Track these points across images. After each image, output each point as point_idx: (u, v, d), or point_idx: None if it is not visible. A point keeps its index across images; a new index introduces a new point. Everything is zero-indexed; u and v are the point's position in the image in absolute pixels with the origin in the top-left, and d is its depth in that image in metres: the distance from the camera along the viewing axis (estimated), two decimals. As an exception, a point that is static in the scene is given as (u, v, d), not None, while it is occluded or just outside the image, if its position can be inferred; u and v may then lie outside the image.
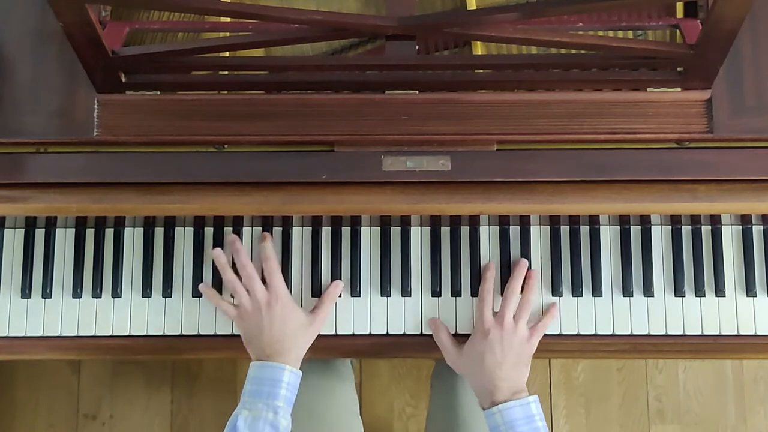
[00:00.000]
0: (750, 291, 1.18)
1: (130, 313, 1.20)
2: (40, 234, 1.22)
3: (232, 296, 1.17)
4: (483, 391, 1.10)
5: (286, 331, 1.11)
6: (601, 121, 1.10)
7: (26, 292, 1.20)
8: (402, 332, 1.18)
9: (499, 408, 1.05)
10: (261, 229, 1.21)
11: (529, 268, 1.18)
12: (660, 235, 1.20)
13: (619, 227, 1.20)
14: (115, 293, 1.20)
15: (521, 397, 1.07)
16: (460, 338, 1.16)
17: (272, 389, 1.07)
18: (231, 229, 1.21)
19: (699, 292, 1.18)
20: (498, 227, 1.20)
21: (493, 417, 1.06)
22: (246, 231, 1.21)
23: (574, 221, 1.20)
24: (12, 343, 1.20)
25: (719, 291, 1.18)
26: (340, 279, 1.19)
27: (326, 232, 1.21)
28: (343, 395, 1.31)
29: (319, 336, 1.18)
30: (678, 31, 1.15)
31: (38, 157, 1.12)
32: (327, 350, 1.19)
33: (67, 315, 1.20)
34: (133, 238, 1.22)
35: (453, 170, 1.10)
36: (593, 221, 1.19)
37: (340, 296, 1.19)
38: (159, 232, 1.21)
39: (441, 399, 1.35)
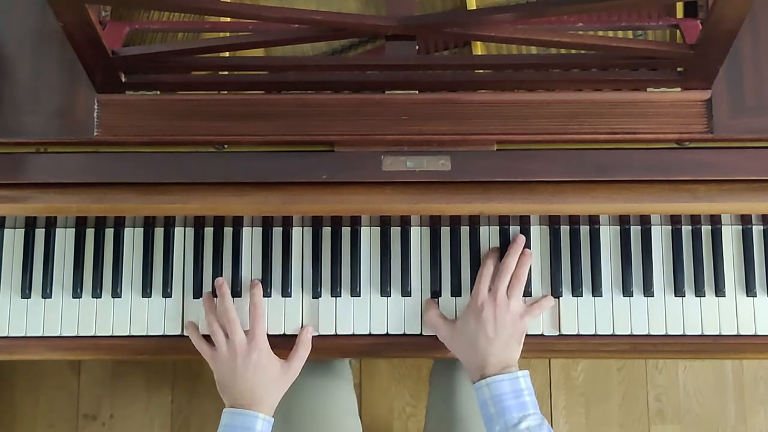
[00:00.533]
0: (750, 291, 1.18)
1: (130, 313, 1.20)
2: (40, 234, 1.22)
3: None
4: (474, 367, 1.09)
5: (262, 381, 1.11)
6: (601, 121, 1.10)
7: (26, 292, 1.20)
8: (402, 332, 1.18)
9: (487, 381, 1.05)
10: (261, 229, 1.21)
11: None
12: (660, 235, 1.20)
13: (619, 227, 1.20)
14: (115, 293, 1.20)
15: (511, 371, 1.07)
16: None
17: None
18: (231, 229, 1.21)
19: (699, 292, 1.18)
20: (498, 227, 1.20)
21: (481, 390, 1.06)
22: (246, 231, 1.21)
23: (574, 221, 1.20)
24: (12, 343, 1.20)
25: (719, 291, 1.18)
26: (341, 279, 1.19)
27: (326, 232, 1.21)
28: (341, 395, 1.31)
29: (319, 336, 1.18)
30: (678, 31, 1.15)
31: (38, 157, 1.12)
32: (327, 350, 1.19)
33: (67, 315, 1.20)
34: (133, 238, 1.22)
35: (453, 170, 1.10)
36: (593, 221, 1.19)
37: (340, 296, 1.19)
38: (159, 232, 1.21)
39: (439, 397, 1.35)
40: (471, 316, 1.12)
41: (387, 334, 1.19)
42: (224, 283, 1.17)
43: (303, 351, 1.16)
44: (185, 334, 1.18)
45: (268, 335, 1.15)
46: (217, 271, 1.20)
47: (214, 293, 1.18)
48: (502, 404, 1.04)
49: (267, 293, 1.19)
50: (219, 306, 1.15)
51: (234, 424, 1.09)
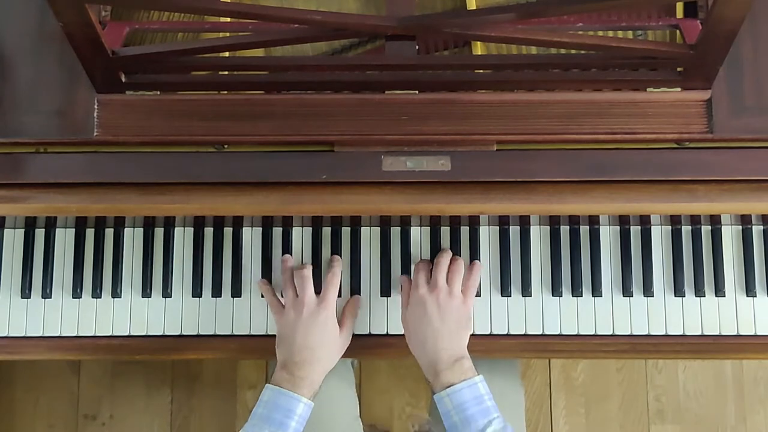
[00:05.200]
0: (750, 291, 1.18)
1: (130, 313, 1.20)
2: (40, 234, 1.22)
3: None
4: (425, 360, 1.10)
5: (322, 341, 1.12)
6: (601, 121, 1.10)
7: (26, 292, 1.20)
8: (402, 332, 1.18)
9: (447, 392, 1.05)
10: (261, 229, 1.21)
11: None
12: (660, 235, 1.20)
13: (619, 227, 1.20)
14: (115, 293, 1.20)
15: (463, 368, 1.07)
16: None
17: (284, 419, 1.06)
18: (231, 229, 1.21)
19: (699, 292, 1.18)
20: (498, 227, 1.20)
21: (442, 401, 1.06)
22: (246, 231, 1.21)
23: (574, 221, 1.20)
24: (12, 343, 1.20)
25: (719, 291, 1.18)
26: (341, 279, 1.19)
27: (326, 232, 1.21)
28: (342, 397, 1.31)
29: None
30: (678, 31, 1.15)
31: (38, 157, 1.12)
32: (327, 350, 1.19)
33: (67, 315, 1.20)
34: (133, 238, 1.22)
35: (453, 170, 1.10)
36: (593, 221, 1.19)
37: (340, 296, 1.19)
38: (159, 232, 1.21)
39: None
40: (415, 309, 1.12)
41: (387, 334, 1.19)
42: (289, 257, 1.19)
43: (352, 319, 1.17)
44: (259, 290, 1.19)
45: (269, 335, 1.15)
46: (217, 271, 1.20)
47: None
48: (466, 413, 1.04)
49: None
50: (297, 270, 1.16)
51: (276, 402, 1.07)
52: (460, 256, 1.19)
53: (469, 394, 1.05)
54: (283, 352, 1.12)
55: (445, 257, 1.16)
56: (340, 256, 1.20)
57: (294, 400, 1.07)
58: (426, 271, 1.15)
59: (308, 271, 1.15)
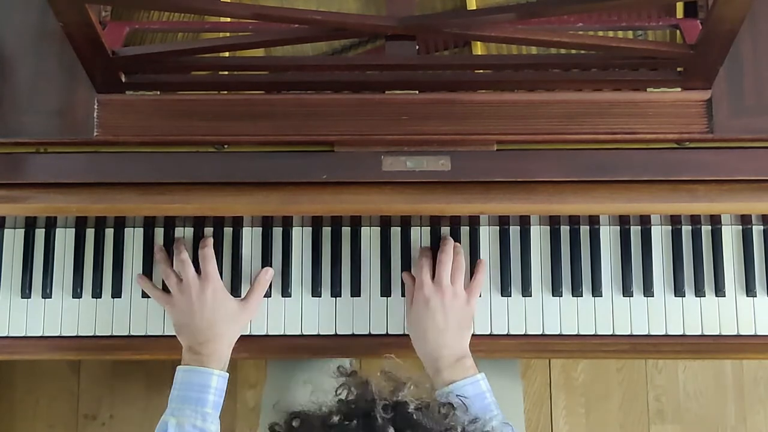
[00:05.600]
0: (750, 291, 1.18)
1: (129, 313, 1.20)
2: (40, 234, 1.22)
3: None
4: (428, 358, 1.10)
5: (218, 317, 1.12)
6: (601, 121, 1.10)
7: (26, 292, 1.20)
8: (402, 332, 1.18)
9: (450, 388, 1.06)
10: (261, 229, 1.21)
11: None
12: (660, 235, 1.20)
13: (619, 227, 1.20)
14: (115, 293, 1.20)
15: (465, 366, 1.08)
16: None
17: (200, 395, 1.07)
18: (231, 229, 1.21)
19: (699, 292, 1.18)
20: (498, 227, 1.20)
21: (445, 397, 1.06)
22: (246, 231, 1.21)
23: (574, 221, 1.20)
24: (12, 343, 1.20)
25: (719, 291, 1.18)
26: (341, 280, 1.19)
27: (326, 232, 1.21)
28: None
29: (319, 336, 1.18)
30: (678, 31, 1.15)
31: (38, 157, 1.12)
32: (327, 350, 1.19)
33: (67, 315, 1.20)
34: (133, 238, 1.22)
35: (453, 170, 1.10)
36: (593, 221, 1.19)
37: (340, 296, 1.19)
38: (159, 232, 1.21)
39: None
40: (421, 309, 1.12)
41: (387, 334, 1.19)
42: (181, 238, 1.19)
43: (260, 290, 1.17)
44: (139, 285, 1.19)
45: (269, 335, 1.15)
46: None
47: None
48: (468, 409, 1.04)
49: (267, 293, 1.19)
50: (174, 251, 1.17)
51: (189, 381, 1.09)
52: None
53: (472, 391, 1.06)
54: (185, 338, 1.13)
55: (448, 253, 1.15)
56: (340, 256, 1.20)
57: (206, 375, 1.08)
58: (429, 268, 1.14)
59: (185, 254, 1.16)
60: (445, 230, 1.20)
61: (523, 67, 1.11)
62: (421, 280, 1.13)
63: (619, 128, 1.10)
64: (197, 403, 1.07)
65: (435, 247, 1.19)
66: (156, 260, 1.19)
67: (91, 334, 1.20)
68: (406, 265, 1.19)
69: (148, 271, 1.20)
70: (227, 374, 1.11)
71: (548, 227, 1.20)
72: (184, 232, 1.21)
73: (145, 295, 1.20)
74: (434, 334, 1.10)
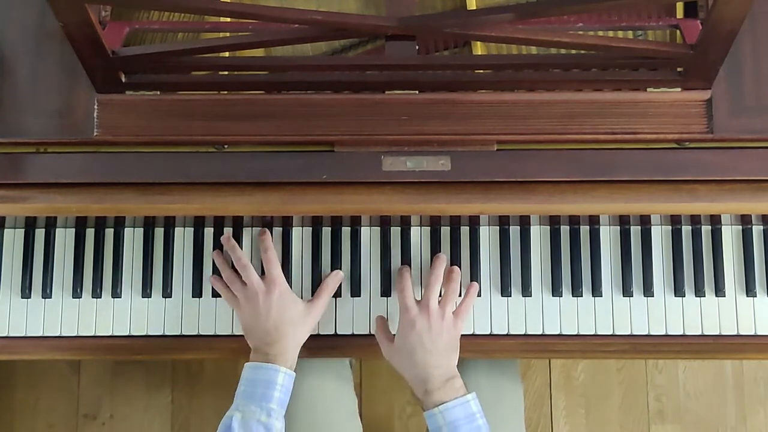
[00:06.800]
0: (750, 291, 1.18)
1: (130, 313, 1.20)
2: (40, 234, 1.22)
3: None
4: (416, 380, 1.09)
5: (284, 318, 1.12)
6: (601, 121, 1.10)
7: (26, 292, 1.20)
8: (402, 332, 1.18)
9: (440, 409, 1.05)
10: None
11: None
12: (660, 235, 1.20)
13: (619, 227, 1.20)
14: (115, 293, 1.20)
15: (455, 386, 1.07)
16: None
17: (266, 391, 1.07)
18: (231, 229, 1.21)
19: (699, 292, 1.18)
20: (498, 227, 1.20)
21: (434, 418, 1.06)
22: (246, 231, 1.21)
23: (574, 221, 1.20)
24: (12, 343, 1.20)
25: (719, 291, 1.18)
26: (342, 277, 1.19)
27: (326, 232, 1.21)
28: (342, 396, 1.31)
29: (319, 336, 1.18)
30: (678, 31, 1.15)
31: (38, 157, 1.12)
32: (326, 350, 1.19)
33: (67, 315, 1.20)
34: (133, 238, 1.22)
35: (453, 170, 1.10)
36: (593, 221, 1.19)
37: (340, 296, 1.19)
38: (159, 232, 1.21)
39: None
40: (407, 332, 1.10)
41: (387, 334, 1.19)
42: (230, 236, 1.18)
43: (327, 294, 1.17)
44: (212, 286, 1.19)
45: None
46: (218, 271, 1.19)
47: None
48: (458, 430, 1.04)
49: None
50: (233, 256, 1.16)
51: (256, 377, 1.09)
52: (459, 256, 1.19)
53: (462, 412, 1.05)
54: (253, 340, 1.13)
55: (438, 277, 1.14)
56: (340, 256, 1.20)
57: (273, 371, 1.08)
58: (410, 290, 1.13)
59: (244, 258, 1.15)
60: (445, 230, 1.20)
61: (523, 67, 1.11)
62: (405, 304, 1.12)
63: (619, 128, 1.10)
64: (262, 399, 1.07)
65: (434, 249, 1.19)
66: (218, 264, 1.18)
67: (91, 334, 1.20)
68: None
69: (148, 270, 1.20)
70: (294, 373, 1.11)
71: (548, 227, 1.20)
72: (184, 232, 1.21)
73: (145, 295, 1.20)
74: (422, 354, 1.09)
